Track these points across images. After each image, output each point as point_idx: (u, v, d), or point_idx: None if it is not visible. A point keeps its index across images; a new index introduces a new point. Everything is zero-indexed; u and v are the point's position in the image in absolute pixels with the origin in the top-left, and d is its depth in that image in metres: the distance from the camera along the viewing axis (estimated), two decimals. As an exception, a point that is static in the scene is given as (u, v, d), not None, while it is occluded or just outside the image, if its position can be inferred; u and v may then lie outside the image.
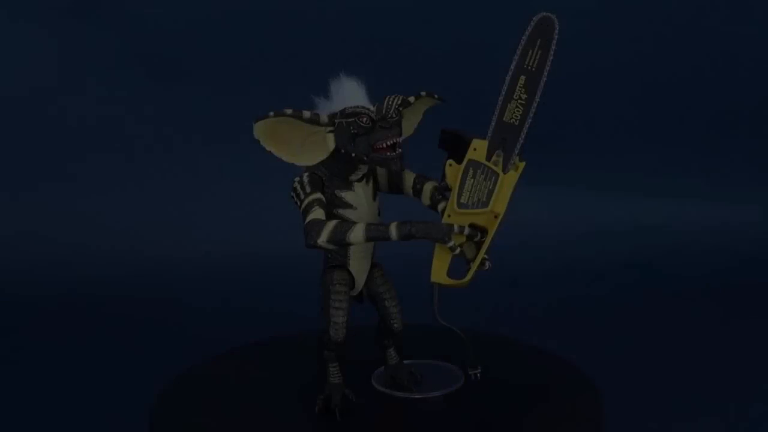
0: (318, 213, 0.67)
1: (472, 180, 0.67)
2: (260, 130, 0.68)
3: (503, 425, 0.71)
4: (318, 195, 0.68)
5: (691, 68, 1.38)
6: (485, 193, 0.67)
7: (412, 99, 0.69)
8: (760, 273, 1.25)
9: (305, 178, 0.69)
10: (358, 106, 0.66)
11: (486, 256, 0.68)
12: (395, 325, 0.74)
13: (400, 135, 0.67)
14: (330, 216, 0.68)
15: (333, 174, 0.69)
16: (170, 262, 1.25)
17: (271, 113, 0.67)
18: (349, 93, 0.67)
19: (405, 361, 0.78)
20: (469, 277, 0.68)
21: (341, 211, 0.69)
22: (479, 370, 0.73)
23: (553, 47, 0.68)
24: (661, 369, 0.95)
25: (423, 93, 0.70)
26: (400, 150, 0.66)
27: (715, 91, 1.39)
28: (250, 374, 0.82)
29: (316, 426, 0.72)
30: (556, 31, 0.67)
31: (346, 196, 0.69)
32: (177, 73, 1.33)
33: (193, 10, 1.31)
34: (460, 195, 0.67)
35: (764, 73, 1.40)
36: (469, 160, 0.67)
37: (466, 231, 0.66)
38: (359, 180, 0.70)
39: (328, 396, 0.72)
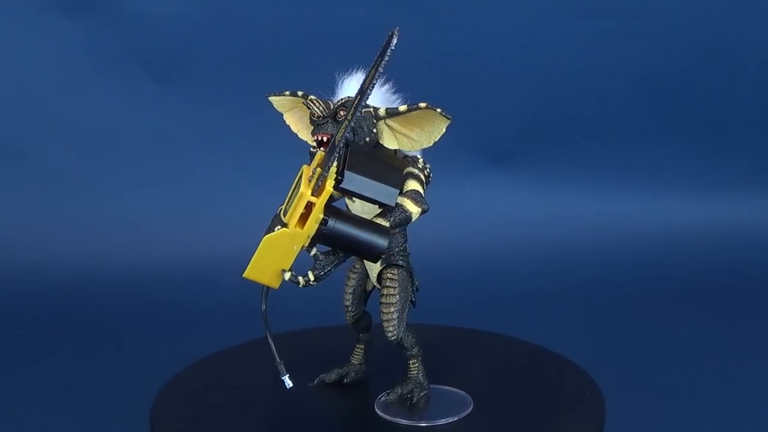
0: None
1: (294, 190, 0.64)
2: (278, 104, 0.73)
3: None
4: None
5: (690, 67, 1.37)
6: (290, 206, 0.63)
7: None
8: (758, 273, 1.25)
9: None
10: (311, 98, 0.67)
11: (307, 275, 0.65)
12: (386, 332, 0.71)
13: (332, 134, 0.65)
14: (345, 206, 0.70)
15: None
16: (170, 261, 1.25)
17: (287, 92, 0.71)
18: (342, 86, 0.68)
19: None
20: (248, 271, 0.64)
21: (346, 201, 0.70)
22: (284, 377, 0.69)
23: (379, 69, 0.60)
24: (659, 366, 0.95)
25: (422, 105, 0.66)
26: (320, 149, 0.66)
27: (714, 90, 1.39)
28: (250, 373, 0.82)
29: (317, 425, 0.72)
30: (389, 51, 0.59)
31: None
32: (176, 73, 1.32)
33: (193, 10, 1.31)
34: (287, 202, 0.65)
35: (765, 72, 1.39)
36: (302, 171, 0.64)
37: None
38: None
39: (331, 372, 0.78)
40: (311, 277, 0.66)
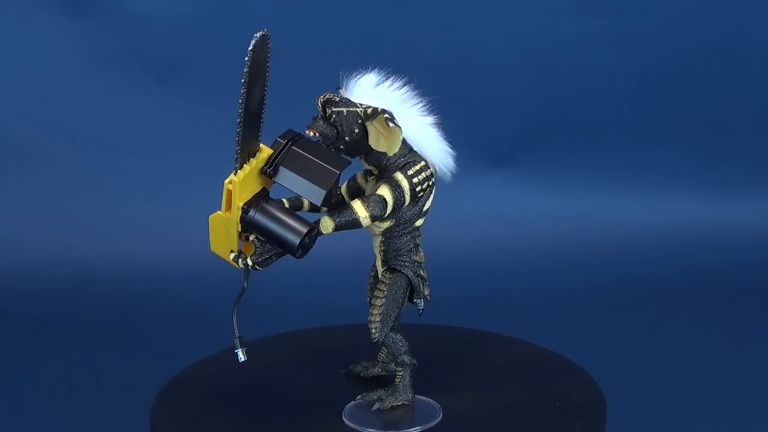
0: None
1: None
2: None
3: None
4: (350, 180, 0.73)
5: (691, 66, 1.38)
6: None
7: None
8: (758, 273, 1.25)
9: None
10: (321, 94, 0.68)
11: (246, 259, 0.67)
12: (370, 333, 0.71)
13: (318, 130, 0.66)
14: None
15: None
16: (170, 261, 1.25)
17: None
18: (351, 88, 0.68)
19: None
20: (211, 245, 0.68)
21: (358, 179, 0.71)
22: (239, 351, 0.70)
23: (243, 69, 0.61)
24: (660, 367, 0.95)
25: (380, 109, 0.65)
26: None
27: (715, 90, 1.39)
28: (250, 373, 0.82)
29: (316, 425, 0.72)
30: (249, 50, 0.60)
31: (359, 188, 0.72)
32: (176, 73, 1.32)
33: (193, 10, 1.31)
34: None
35: (766, 72, 1.39)
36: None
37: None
38: (370, 174, 0.70)
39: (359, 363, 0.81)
40: (249, 262, 0.67)
